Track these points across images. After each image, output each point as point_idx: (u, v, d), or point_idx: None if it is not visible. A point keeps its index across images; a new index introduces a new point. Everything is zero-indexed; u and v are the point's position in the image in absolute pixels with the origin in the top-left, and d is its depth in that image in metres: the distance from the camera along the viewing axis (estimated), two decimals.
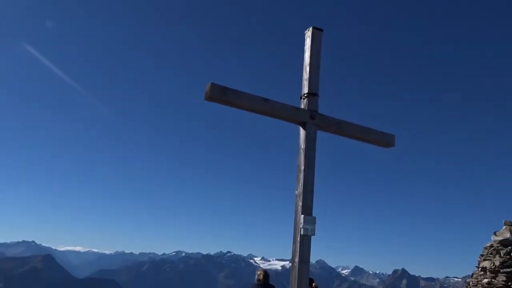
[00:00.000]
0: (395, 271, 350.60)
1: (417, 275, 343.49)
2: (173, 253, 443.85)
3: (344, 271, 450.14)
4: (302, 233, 5.19)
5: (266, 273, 7.50)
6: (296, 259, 5.16)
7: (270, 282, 7.51)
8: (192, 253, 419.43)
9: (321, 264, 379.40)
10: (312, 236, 5.32)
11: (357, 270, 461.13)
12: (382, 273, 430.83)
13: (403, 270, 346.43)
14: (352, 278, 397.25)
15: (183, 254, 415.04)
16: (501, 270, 7.40)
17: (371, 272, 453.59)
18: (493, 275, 7.45)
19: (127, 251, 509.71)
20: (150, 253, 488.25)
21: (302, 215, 5.26)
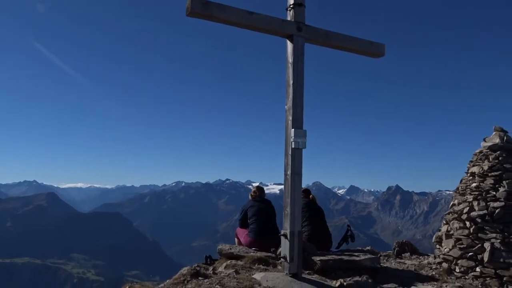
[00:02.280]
0: (389, 188, 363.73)
1: (410, 190, 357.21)
2: (173, 184, 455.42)
3: (340, 191, 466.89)
4: (293, 146, 5.23)
5: (260, 188, 7.69)
6: (289, 172, 5.26)
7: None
8: (191, 182, 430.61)
9: (318, 185, 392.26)
10: (303, 150, 5.37)
11: (352, 189, 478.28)
12: (377, 191, 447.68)
13: (397, 187, 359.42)
14: (348, 197, 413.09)
15: (183, 184, 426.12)
16: (489, 174, 7.60)
17: (366, 190, 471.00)
18: (481, 179, 7.65)
19: (128, 185, 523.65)
20: (150, 185, 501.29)
21: (293, 129, 5.27)
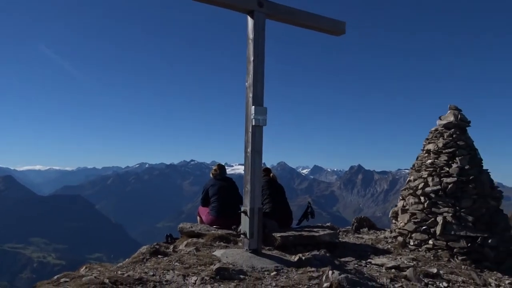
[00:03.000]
0: (351, 167, 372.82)
1: (371, 169, 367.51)
2: (137, 165, 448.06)
3: (304, 171, 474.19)
4: (253, 123, 5.21)
5: (220, 166, 7.67)
6: (249, 149, 5.24)
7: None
8: (155, 164, 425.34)
9: (282, 165, 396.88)
10: (263, 127, 5.36)
11: (316, 169, 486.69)
12: (340, 170, 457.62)
13: (359, 166, 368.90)
14: (312, 177, 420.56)
15: (147, 166, 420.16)
16: (444, 151, 7.90)
17: (329, 170, 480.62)
18: (436, 156, 7.94)
19: (90, 167, 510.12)
20: (113, 167, 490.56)
21: (253, 106, 5.24)
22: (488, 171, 7.94)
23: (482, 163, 7.99)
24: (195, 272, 4.36)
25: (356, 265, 5.74)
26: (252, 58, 5.35)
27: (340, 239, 7.43)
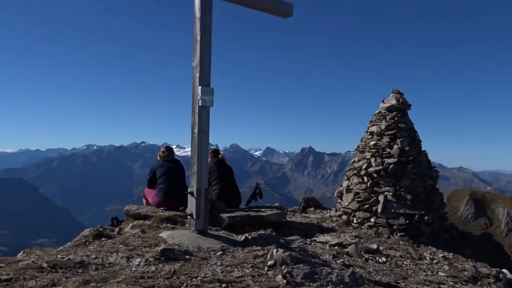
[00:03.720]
0: (303, 149, 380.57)
1: (322, 151, 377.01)
2: (84, 147, 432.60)
3: (256, 153, 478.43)
4: (200, 104, 5.15)
5: (168, 148, 7.57)
6: (196, 130, 5.19)
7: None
8: (104, 146, 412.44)
9: (235, 147, 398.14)
10: (210, 107, 5.32)
11: (268, 151, 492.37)
12: (291, 152, 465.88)
13: (310, 148, 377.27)
14: (264, 158, 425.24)
15: (95, 148, 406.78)
16: (386, 133, 8.23)
17: (281, 152, 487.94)
18: (378, 137, 8.26)
19: (33, 148, 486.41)
20: (58, 148, 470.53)
21: (200, 87, 5.17)
22: (426, 152, 8.38)
23: (421, 144, 8.41)
24: (140, 254, 4.30)
25: (301, 243, 5.91)
26: (199, 38, 5.25)
27: (287, 218, 7.61)
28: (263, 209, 6.95)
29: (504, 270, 6.54)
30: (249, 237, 5.15)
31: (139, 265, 3.99)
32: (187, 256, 4.32)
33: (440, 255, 6.67)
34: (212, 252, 4.62)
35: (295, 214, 8.68)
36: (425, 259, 6.30)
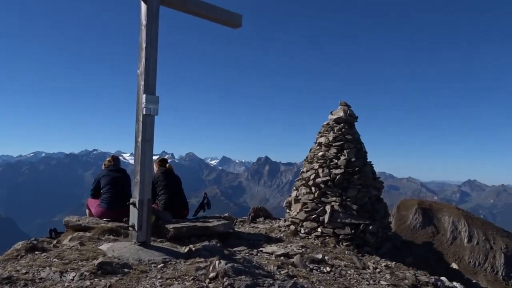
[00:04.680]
0: (259, 159, 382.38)
1: (278, 161, 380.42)
2: (31, 154, 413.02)
3: (212, 162, 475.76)
4: (144, 112, 5.04)
5: (114, 157, 7.36)
6: (139, 139, 5.07)
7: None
8: (53, 153, 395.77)
9: (191, 156, 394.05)
10: (155, 116, 5.22)
11: (224, 160, 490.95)
12: (248, 161, 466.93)
13: (266, 157, 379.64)
14: (220, 168, 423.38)
15: (43, 155, 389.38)
16: (333, 144, 8.41)
17: (237, 161, 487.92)
18: (326, 148, 8.42)
19: None
20: (2, 155, 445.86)
21: (144, 95, 5.06)
22: (372, 163, 8.63)
23: (367, 155, 8.66)
24: (75, 268, 4.11)
25: (247, 254, 5.88)
26: (144, 45, 5.16)
27: (236, 229, 7.57)
28: (210, 220, 6.87)
29: (443, 278, 6.82)
30: (193, 249, 5.05)
31: (72, 280, 3.81)
32: (125, 270, 4.18)
33: (383, 264, 6.85)
34: (153, 265, 4.49)
35: (244, 225, 8.65)
36: (369, 268, 6.44)
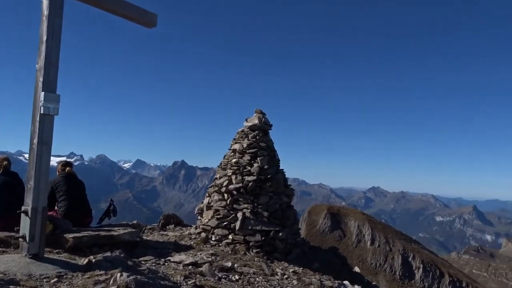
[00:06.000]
0: (175, 163, 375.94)
1: (194, 165, 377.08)
2: None
3: (126, 165, 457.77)
4: (42, 112, 4.60)
5: (5, 158, 6.65)
6: (35, 141, 4.61)
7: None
8: None
9: (102, 158, 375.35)
10: (55, 116, 4.79)
11: (139, 163, 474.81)
12: (163, 165, 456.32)
13: (182, 162, 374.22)
14: (134, 171, 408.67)
15: None
16: (247, 151, 8.45)
17: (152, 165, 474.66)
18: (240, 155, 8.44)
19: None
20: None
21: (43, 92, 4.62)
22: (284, 170, 8.81)
23: (279, 163, 8.82)
24: None
25: (154, 264, 5.63)
26: (45, 38, 4.72)
27: (144, 237, 7.24)
28: (116, 228, 6.49)
29: (346, 282, 7.13)
30: (93, 261, 4.70)
31: None
32: (11, 286, 3.74)
33: (291, 270, 6.98)
34: (45, 280, 4.09)
35: (153, 232, 8.32)
36: (277, 275, 6.51)
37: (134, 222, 8.04)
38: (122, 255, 5.04)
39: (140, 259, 5.68)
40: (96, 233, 5.99)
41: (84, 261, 4.82)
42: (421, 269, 56.66)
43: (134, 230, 6.54)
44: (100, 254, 5.06)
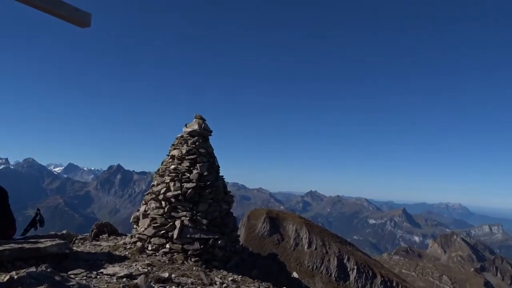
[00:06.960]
0: (110, 167, 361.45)
1: (131, 170, 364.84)
2: None
3: (56, 169, 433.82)
4: None
5: None
6: None
7: None
8: None
9: (30, 162, 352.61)
10: None
11: (71, 167, 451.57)
12: (97, 169, 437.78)
13: (119, 166, 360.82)
14: (65, 175, 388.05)
15: None
16: (186, 157, 8.28)
17: (85, 169, 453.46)
18: (179, 161, 8.25)
19: None
20: None
21: None
22: (223, 177, 8.73)
23: (219, 170, 8.72)
24: None
25: (85, 278, 5.31)
26: None
27: (74, 248, 6.82)
28: (43, 240, 6.03)
29: None
30: (15, 277, 4.32)
31: None
32: None
33: (230, 278, 6.90)
34: None
35: (84, 243, 7.86)
36: (216, 284, 6.41)
37: (64, 232, 7.55)
38: (48, 270, 4.68)
39: (70, 272, 5.33)
40: (20, 246, 5.53)
41: (5, 277, 4.42)
42: (355, 270, 58.89)
43: (63, 241, 6.12)
44: (24, 270, 4.69)
